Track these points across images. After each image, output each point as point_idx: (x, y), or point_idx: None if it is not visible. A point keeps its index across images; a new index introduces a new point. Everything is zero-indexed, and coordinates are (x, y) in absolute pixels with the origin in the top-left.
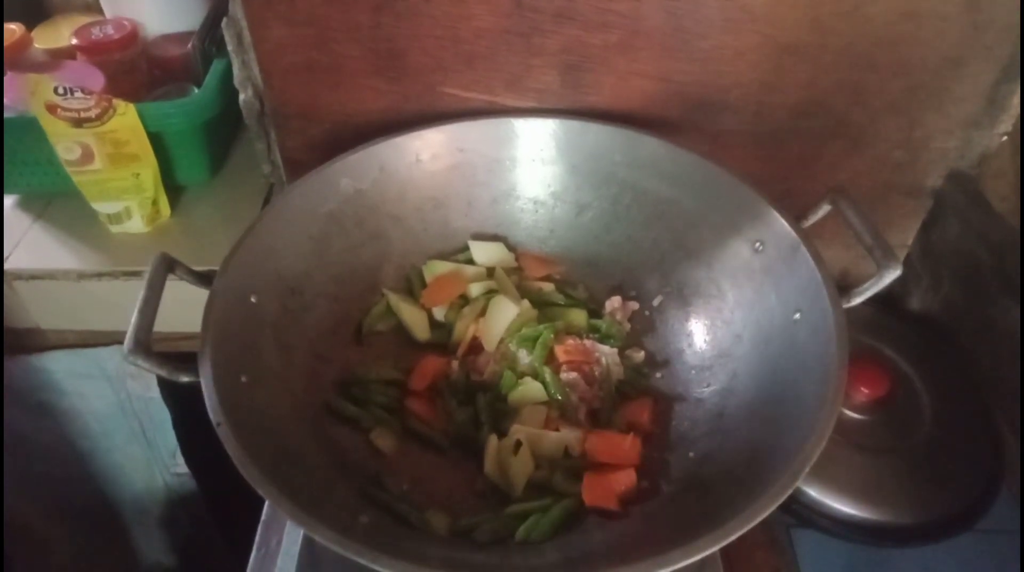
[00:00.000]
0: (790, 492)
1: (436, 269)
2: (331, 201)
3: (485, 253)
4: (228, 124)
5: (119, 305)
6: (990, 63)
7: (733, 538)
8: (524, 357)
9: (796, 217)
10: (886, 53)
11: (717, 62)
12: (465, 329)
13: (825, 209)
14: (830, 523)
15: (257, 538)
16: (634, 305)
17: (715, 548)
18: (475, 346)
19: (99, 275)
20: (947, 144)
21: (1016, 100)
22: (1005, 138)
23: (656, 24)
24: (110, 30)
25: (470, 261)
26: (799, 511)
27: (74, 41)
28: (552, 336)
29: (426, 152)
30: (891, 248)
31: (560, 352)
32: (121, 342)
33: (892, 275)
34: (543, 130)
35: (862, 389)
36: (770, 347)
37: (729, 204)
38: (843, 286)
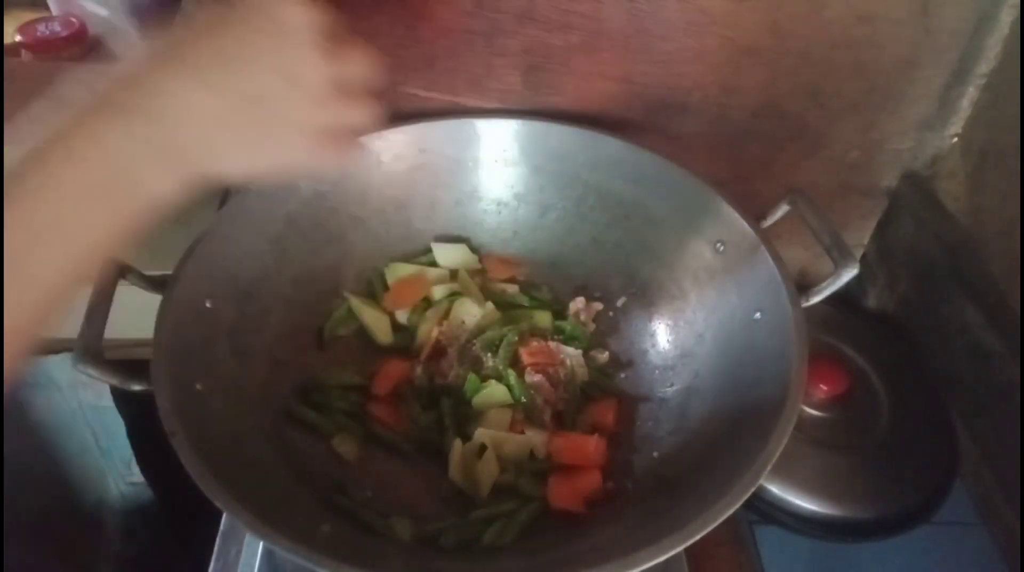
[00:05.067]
0: (753, 490)
1: (398, 272)
2: (289, 203)
3: (448, 255)
4: None
5: (67, 312)
6: (941, 66)
7: (698, 537)
8: (488, 360)
9: (756, 218)
10: (842, 56)
11: (678, 64)
12: (428, 332)
13: (784, 209)
14: (792, 519)
15: (216, 549)
16: (598, 306)
17: (680, 548)
18: (439, 349)
19: None
20: (901, 145)
21: (966, 103)
22: (955, 140)
23: (618, 25)
24: (57, 27)
25: (433, 263)
26: (761, 508)
27: (19, 38)
28: (516, 338)
29: (387, 153)
30: (848, 247)
31: (525, 354)
32: (70, 350)
33: (849, 274)
34: (506, 131)
35: (821, 386)
36: (731, 346)
37: (691, 205)
38: (802, 285)
